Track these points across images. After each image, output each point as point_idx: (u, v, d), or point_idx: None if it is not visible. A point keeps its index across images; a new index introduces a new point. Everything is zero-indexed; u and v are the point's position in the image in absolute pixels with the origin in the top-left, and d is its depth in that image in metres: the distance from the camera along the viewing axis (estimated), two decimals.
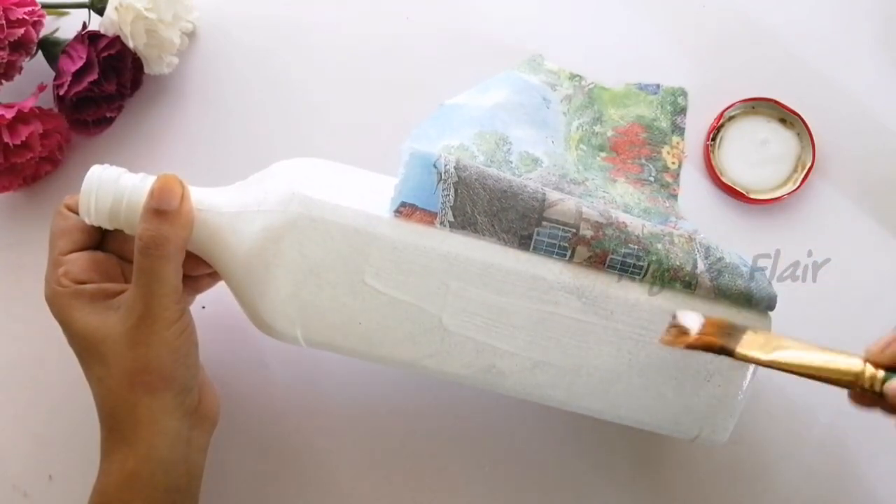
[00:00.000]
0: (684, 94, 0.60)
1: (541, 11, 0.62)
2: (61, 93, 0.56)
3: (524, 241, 0.47)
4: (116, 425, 0.46)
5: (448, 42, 0.62)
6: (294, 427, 0.57)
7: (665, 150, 0.59)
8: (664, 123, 0.59)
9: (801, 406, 0.56)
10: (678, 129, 0.59)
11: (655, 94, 0.60)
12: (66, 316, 0.47)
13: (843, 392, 0.42)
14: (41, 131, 0.56)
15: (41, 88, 0.57)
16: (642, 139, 0.58)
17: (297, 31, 0.63)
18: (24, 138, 0.55)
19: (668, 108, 0.59)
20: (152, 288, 0.45)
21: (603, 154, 0.58)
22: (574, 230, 0.47)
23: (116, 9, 0.56)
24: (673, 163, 0.58)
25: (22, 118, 0.56)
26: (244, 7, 0.63)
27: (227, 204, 0.48)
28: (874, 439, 0.55)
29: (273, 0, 0.63)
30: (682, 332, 0.44)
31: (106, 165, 0.48)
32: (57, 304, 0.47)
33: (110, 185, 0.47)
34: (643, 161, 0.58)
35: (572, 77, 0.60)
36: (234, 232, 0.47)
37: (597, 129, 0.58)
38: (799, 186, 0.58)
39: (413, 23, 0.62)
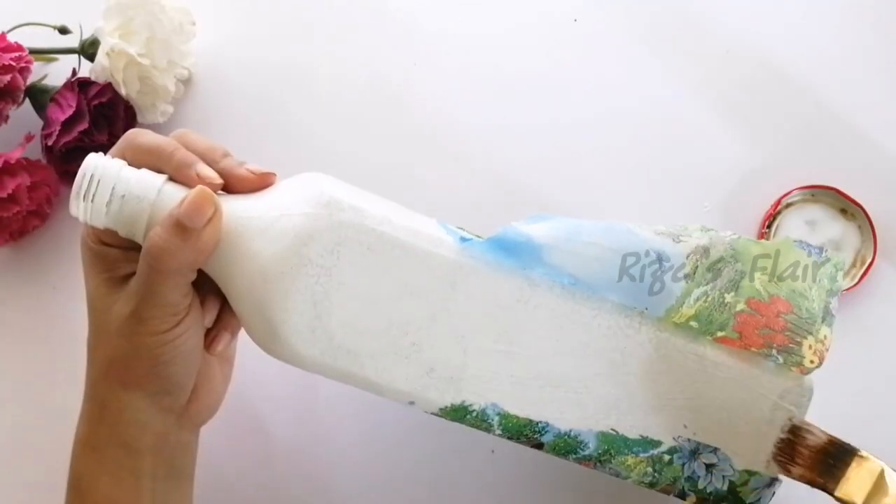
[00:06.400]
0: (843, 268, 0.48)
1: (555, 60, 0.62)
2: (50, 143, 0.56)
3: None
4: (95, 395, 0.47)
5: (455, 84, 0.62)
6: (296, 431, 0.57)
7: (808, 342, 0.46)
8: (816, 304, 0.46)
9: None
10: (829, 318, 0.46)
11: (818, 258, 0.47)
12: (86, 272, 0.46)
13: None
14: (28, 184, 0.56)
15: (29, 139, 0.58)
16: (784, 322, 0.46)
17: (295, 78, 0.63)
18: (10, 191, 0.55)
19: (826, 283, 0.46)
20: (144, 296, 0.44)
21: (720, 334, 0.46)
22: None
23: (108, 54, 0.56)
24: (812, 361, 0.46)
25: (8, 170, 0.56)
26: (242, 53, 0.63)
27: (247, 209, 0.45)
28: None
29: (272, 46, 0.64)
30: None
31: (121, 163, 0.45)
32: (83, 256, 0.47)
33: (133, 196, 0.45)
34: (773, 352, 0.46)
35: (704, 229, 0.47)
36: (261, 236, 0.44)
37: (729, 297, 0.46)
38: (857, 283, 0.56)
39: (416, 66, 0.62)
